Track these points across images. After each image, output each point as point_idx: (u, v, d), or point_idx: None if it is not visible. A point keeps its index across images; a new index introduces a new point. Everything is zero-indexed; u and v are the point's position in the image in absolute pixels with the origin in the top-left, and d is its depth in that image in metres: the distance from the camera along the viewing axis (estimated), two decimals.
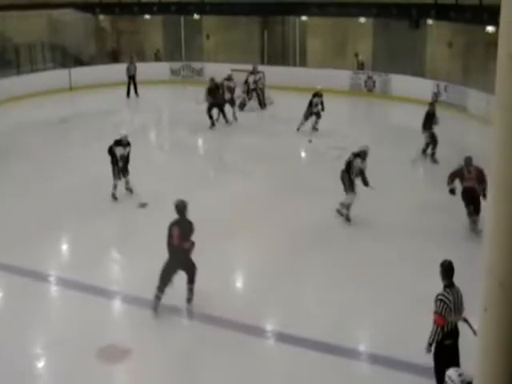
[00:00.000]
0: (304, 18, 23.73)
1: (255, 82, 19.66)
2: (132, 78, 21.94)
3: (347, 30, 23.40)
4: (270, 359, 7.54)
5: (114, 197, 12.11)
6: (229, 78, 18.17)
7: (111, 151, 12.00)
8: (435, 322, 6.09)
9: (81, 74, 23.42)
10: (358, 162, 10.75)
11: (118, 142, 12.00)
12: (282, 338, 7.75)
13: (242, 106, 19.65)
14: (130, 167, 12.18)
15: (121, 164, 12.01)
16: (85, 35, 26.63)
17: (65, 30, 25.60)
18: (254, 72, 19.78)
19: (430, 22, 21.31)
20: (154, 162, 14.85)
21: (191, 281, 8.16)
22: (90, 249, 10.16)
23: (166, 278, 8.01)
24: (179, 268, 8.08)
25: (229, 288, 9.09)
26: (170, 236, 7.98)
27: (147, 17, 26.75)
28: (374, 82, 21.57)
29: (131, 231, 11.04)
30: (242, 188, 12.77)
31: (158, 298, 8.07)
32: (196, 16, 25.58)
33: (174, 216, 9.84)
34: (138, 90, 21.91)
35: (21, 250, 10.10)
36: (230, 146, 16.28)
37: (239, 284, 9.51)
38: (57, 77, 23.11)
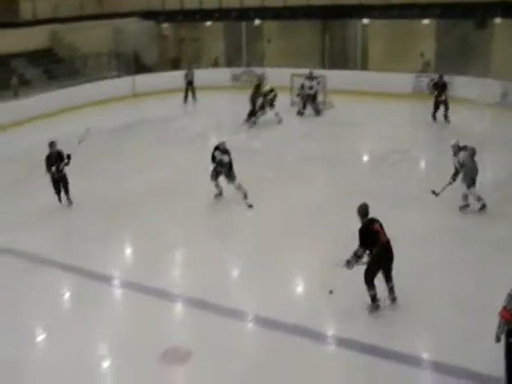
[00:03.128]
0: (365, 21, 23.50)
1: (311, 87, 19.53)
2: (190, 84, 22.45)
3: (409, 31, 22.99)
4: (329, 365, 7.46)
5: (217, 196, 12.45)
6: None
7: (212, 154, 12.25)
8: (499, 314, 6.13)
9: (144, 81, 23.97)
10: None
11: (217, 147, 12.26)
12: (343, 343, 7.67)
13: (301, 114, 19.61)
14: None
15: (219, 168, 12.19)
16: (148, 43, 27.22)
17: (129, 39, 26.26)
18: (310, 77, 19.64)
19: (497, 20, 20.72)
20: None
21: (390, 279, 8.16)
22: (153, 250, 10.35)
23: (373, 276, 8.02)
24: (386, 264, 8.02)
25: (291, 294, 9.10)
26: (374, 232, 7.89)
27: (209, 23, 27.12)
28: None
29: (196, 234, 11.15)
30: (302, 192, 12.74)
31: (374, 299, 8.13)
32: (257, 21, 25.74)
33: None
34: (198, 96, 22.33)
35: (85, 252, 10.41)
36: (289, 150, 16.26)
37: (300, 289, 9.43)
38: (121, 84, 23.78)
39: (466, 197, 11.29)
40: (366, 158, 15.85)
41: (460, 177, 11.26)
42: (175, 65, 27.08)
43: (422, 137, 17.13)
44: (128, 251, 11.09)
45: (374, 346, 7.48)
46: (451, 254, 9.71)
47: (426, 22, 22.08)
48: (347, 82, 21.48)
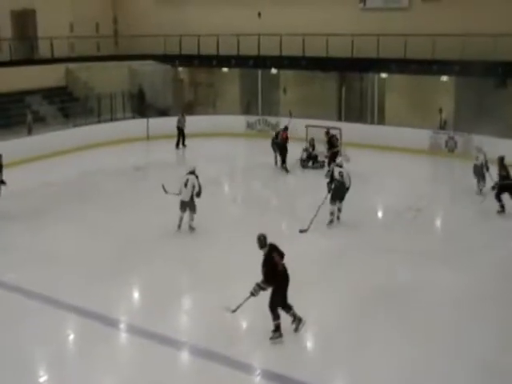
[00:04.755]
0: (383, 75, 23.33)
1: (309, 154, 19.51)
2: (181, 130, 22.54)
3: (428, 87, 22.72)
4: None
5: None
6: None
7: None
8: None
9: (158, 123, 23.86)
10: None
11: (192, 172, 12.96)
12: None
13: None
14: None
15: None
16: (163, 86, 27.18)
17: (144, 81, 26.27)
18: (312, 144, 19.49)
19: None
20: (227, 213, 14.71)
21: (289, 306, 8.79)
22: (158, 295, 10.16)
23: (284, 303, 8.56)
24: (284, 289, 8.54)
25: (297, 345, 8.68)
26: (274, 265, 8.35)
27: (225, 70, 27.08)
28: (456, 143, 20.75)
29: (201, 279, 10.82)
30: (315, 244, 12.52)
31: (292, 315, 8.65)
32: (273, 70, 25.68)
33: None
34: (214, 141, 22.16)
35: (90, 293, 10.17)
36: (302, 201, 15.89)
37: (307, 341, 8.93)
38: (135, 126, 23.74)
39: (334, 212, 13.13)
40: (380, 214, 15.37)
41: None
42: (189, 109, 26.91)
43: (437, 195, 16.68)
44: (133, 293, 10.78)
45: None
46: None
47: (444, 78, 21.84)
48: (363, 136, 21.20)
